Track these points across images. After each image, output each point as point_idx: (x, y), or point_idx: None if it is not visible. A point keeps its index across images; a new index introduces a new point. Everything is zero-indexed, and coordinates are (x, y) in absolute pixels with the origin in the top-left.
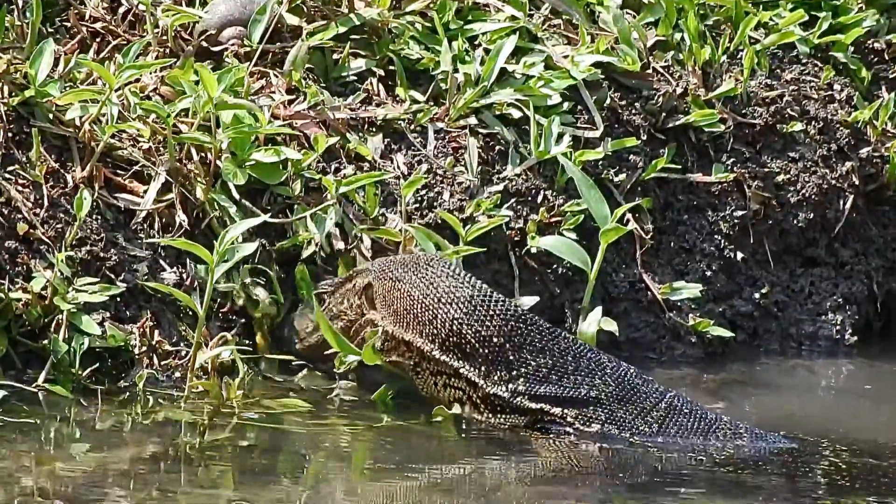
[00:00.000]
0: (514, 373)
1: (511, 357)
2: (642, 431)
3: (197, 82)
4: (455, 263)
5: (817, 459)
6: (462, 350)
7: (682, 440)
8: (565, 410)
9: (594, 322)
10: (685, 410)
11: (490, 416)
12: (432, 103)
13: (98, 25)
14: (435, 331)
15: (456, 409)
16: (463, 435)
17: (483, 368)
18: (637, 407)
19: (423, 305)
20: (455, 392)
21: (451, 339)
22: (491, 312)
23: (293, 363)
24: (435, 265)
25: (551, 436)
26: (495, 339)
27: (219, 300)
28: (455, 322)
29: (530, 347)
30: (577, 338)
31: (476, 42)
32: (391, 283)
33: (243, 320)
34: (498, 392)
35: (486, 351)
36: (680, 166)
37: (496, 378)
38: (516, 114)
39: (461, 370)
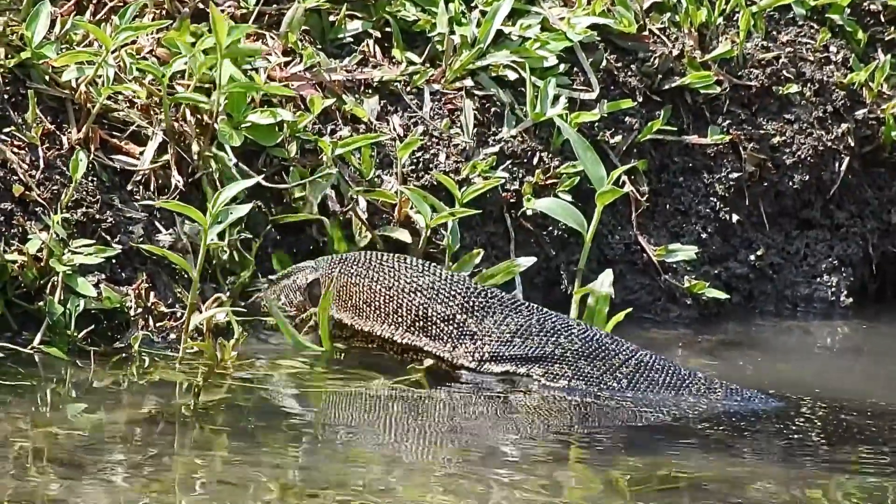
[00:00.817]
0: (479, 342)
1: (475, 329)
2: (611, 387)
3: (193, 44)
4: (407, 257)
5: (802, 416)
6: (428, 331)
7: (652, 395)
8: (531, 369)
9: (607, 283)
10: (656, 366)
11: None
12: (428, 65)
13: None
14: (400, 318)
15: (428, 361)
16: (450, 391)
17: (449, 345)
18: (605, 363)
19: (387, 297)
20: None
21: (416, 323)
22: (453, 293)
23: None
24: (391, 260)
25: (520, 389)
26: (459, 317)
27: (214, 261)
28: (420, 308)
29: (493, 318)
30: (541, 306)
31: (472, 4)
32: (348, 279)
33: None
34: (465, 363)
35: (451, 328)
36: (676, 128)
37: (462, 351)
38: (512, 76)
39: (427, 348)
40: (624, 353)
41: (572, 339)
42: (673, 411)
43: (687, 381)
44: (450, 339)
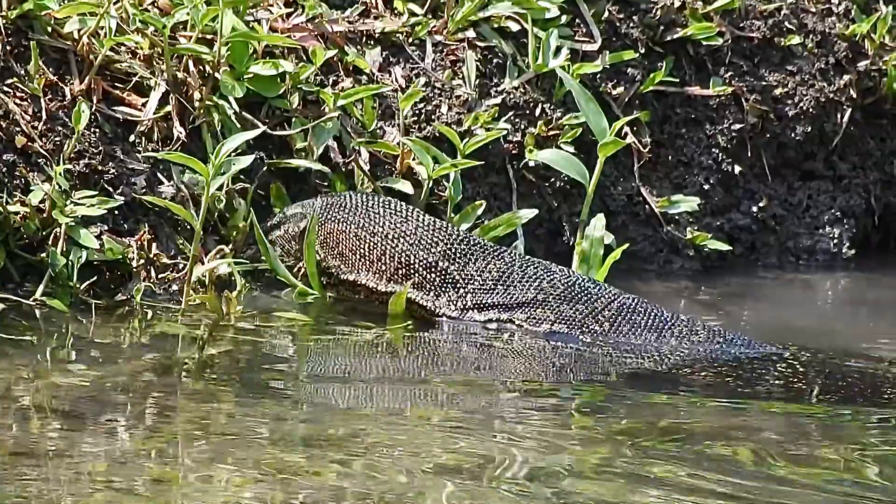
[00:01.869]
0: (462, 290)
1: (458, 277)
2: (593, 330)
3: None
4: (394, 200)
5: (778, 363)
6: (411, 280)
7: (634, 338)
8: (514, 315)
9: (599, 226)
10: (639, 309)
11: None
12: (430, 16)
13: None
14: (384, 266)
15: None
16: (437, 339)
17: (432, 294)
18: (587, 306)
19: (371, 244)
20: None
21: (399, 271)
22: (435, 240)
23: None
24: (376, 204)
25: (504, 334)
26: (441, 265)
27: (216, 213)
28: (403, 255)
29: (476, 265)
30: (523, 254)
31: None
32: (334, 225)
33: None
34: (448, 312)
35: (434, 276)
36: (678, 79)
37: (445, 300)
38: (514, 27)
39: (411, 297)
40: (606, 296)
41: (555, 284)
42: (655, 355)
43: (670, 325)
44: (433, 288)
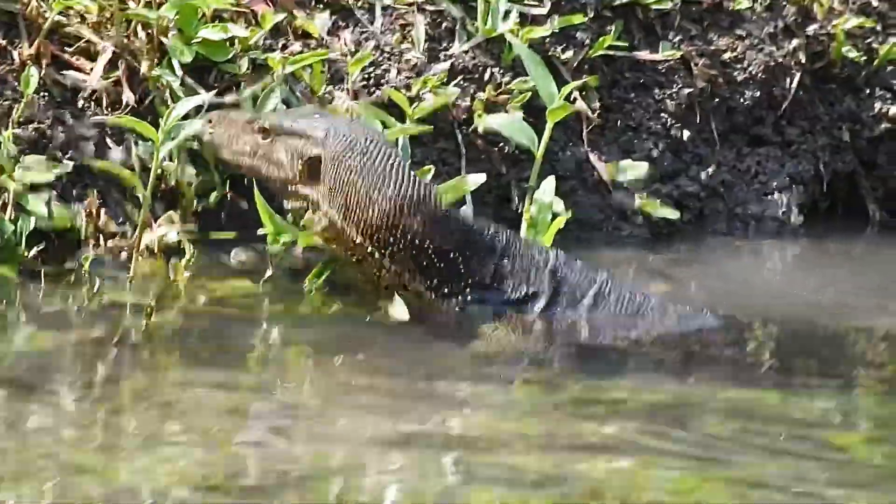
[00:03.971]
0: (469, 282)
1: (462, 269)
2: (572, 319)
3: None
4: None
5: (746, 339)
6: (420, 264)
7: (611, 321)
8: (506, 309)
9: (549, 191)
10: (613, 296)
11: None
12: None
13: None
14: (392, 239)
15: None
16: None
17: (436, 281)
18: (568, 298)
19: (382, 211)
20: (404, 293)
21: (409, 251)
22: (448, 227)
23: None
24: (395, 162)
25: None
26: (452, 255)
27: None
28: (416, 236)
29: (479, 255)
30: (511, 234)
31: None
32: (348, 174)
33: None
34: (446, 306)
35: (442, 265)
36: (627, 44)
37: (446, 291)
38: None
39: (417, 282)
40: (585, 284)
41: (542, 279)
42: (628, 335)
43: (643, 309)
44: (437, 275)
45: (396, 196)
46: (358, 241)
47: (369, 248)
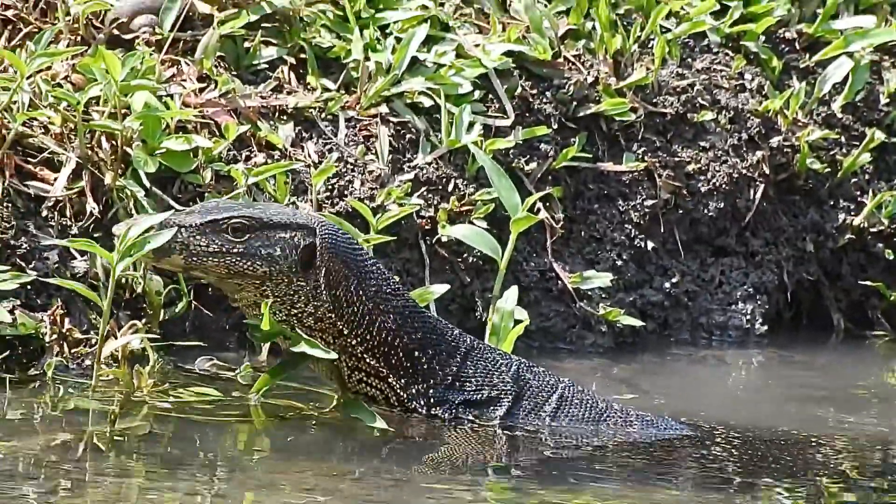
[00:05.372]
0: (431, 382)
1: (427, 368)
2: (536, 425)
3: (107, 70)
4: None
5: (710, 445)
6: (389, 361)
7: (574, 428)
8: (469, 411)
9: (511, 299)
10: (576, 401)
11: (403, 413)
12: (343, 92)
13: (10, 13)
14: (369, 336)
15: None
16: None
17: (404, 381)
18: (531, 402)
19: (364, 308)
20: (371, 390)
21: (381, 348)
22: (416, 325)
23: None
24: (374, 268)
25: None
26: (417, 354)
27: (129, 288)
28: (389, 333)
29: (442, 356)
30: (474, 339)
31: (387, 31)
32: (339, 266)
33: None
34: (414, 405)
35: (409, 364)
36: (591, 155)
37: (414, 391)
38: (427, 102)
39: (388, 378)
40: (547, 389)
41: (504, 379)
42: (593, 442)
43: (605, 414)
44: (405, 374)
45: (378, 290)
46: (345, 332)
47: (353, 342)
